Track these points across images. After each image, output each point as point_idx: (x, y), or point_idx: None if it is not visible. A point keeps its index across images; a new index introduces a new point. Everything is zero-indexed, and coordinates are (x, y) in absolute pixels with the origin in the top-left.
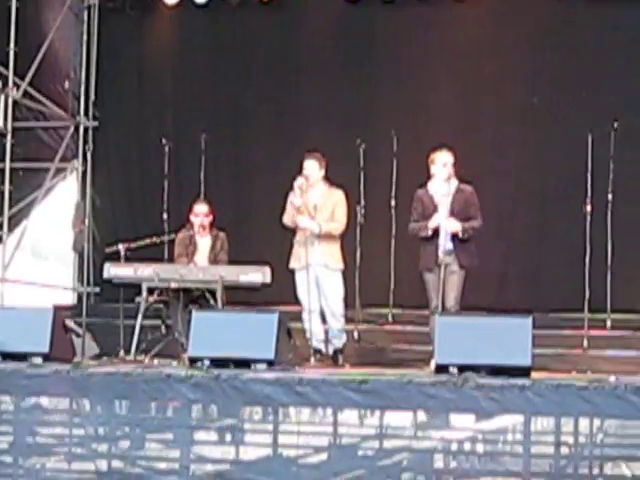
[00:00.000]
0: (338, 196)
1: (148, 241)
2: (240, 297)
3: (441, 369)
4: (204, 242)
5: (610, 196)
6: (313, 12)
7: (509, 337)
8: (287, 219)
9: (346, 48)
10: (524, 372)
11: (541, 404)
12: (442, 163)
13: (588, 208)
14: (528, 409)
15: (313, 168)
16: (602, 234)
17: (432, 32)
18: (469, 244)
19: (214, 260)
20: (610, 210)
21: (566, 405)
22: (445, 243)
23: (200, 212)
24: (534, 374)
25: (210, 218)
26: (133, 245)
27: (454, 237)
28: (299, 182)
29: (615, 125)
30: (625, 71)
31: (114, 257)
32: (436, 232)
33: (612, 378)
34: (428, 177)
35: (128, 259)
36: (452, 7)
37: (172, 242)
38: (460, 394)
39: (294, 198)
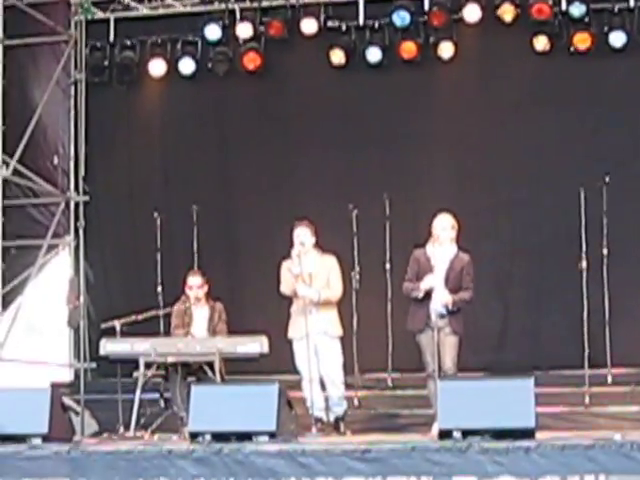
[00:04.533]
0: (331, 262)
1: (143, 316)
2: (237, 367)
3: (444, 434)
4: (201, 313)
5: (605, 251)
6: (300, 79)
7: (511, 399)
8: (285, 288)
9: (334, 113)
10: (528, 434)
11: (547, 465)
12: (442, 227)
13: (584, 264)
14: (534, 471)
15: (306, 235)
16: (599, 289)
17: (420, 94)
18: (458, 314)
19: (213, 331)
20: (606, 265)
21: (572, 465)
22: (438, 306)
23: (194, 284)
24: (538, 434)
25: (205, 289)
26: (129, 320)
27: (445, 307)
28: (297, 250)
29: (607, 179)
30: (614, 125)
31: (110, 332)
32: (428, 294)
33: (617, 436)
34: (428, 238)
35: (124, 334)
36: (439, 68)
37: (168, 315)
38: (465, 459)
39: (292, 266)
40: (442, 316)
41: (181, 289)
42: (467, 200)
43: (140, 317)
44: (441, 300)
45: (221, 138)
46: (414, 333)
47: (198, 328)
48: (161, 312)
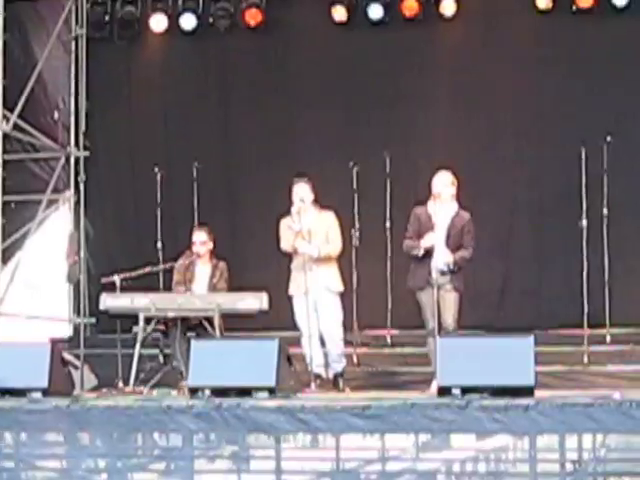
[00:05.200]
0: (330, 218)
1: (145, 271)
2: (237, 324)
3: (444, 391)
4: (203, 270)
5: (605, 210)
6: (301, 35)
7: (511, 357)
8: (285, 245)
9: (335, 70)
10: (528, 392)
11: (545, 423)
12: (443, 184)
13: (584, 223)
14: (532, 429)
15: (306, 192)
16: (599, 248)
17: (422, 52)
18: (459, 272)
19: (213, 289)
20: (606, 224)
21: (570, 423)
22: (440, 264)
23: (197, 240)
24: (537, 393)
25: (209, 246)
26: (130, 275)
27: (446, 265)
28: (297, 207)
29: (608, 139)
30: (616, 84)
31: (109, 287)
32: (429, 252)
33: (616, 395)
34: (428, 196)
35: (124, 289)
36: (440, 26)
37: (168, 271)
38: (464, 416)
39: (292, 223)
40: (443, 273)
41: (180, 245)
42: (468, 158)
43: (141, 272)
44: (442, 259)
45: (222, 94)
46: (414, 291)
47: (199, 285)
48: (162, 267)
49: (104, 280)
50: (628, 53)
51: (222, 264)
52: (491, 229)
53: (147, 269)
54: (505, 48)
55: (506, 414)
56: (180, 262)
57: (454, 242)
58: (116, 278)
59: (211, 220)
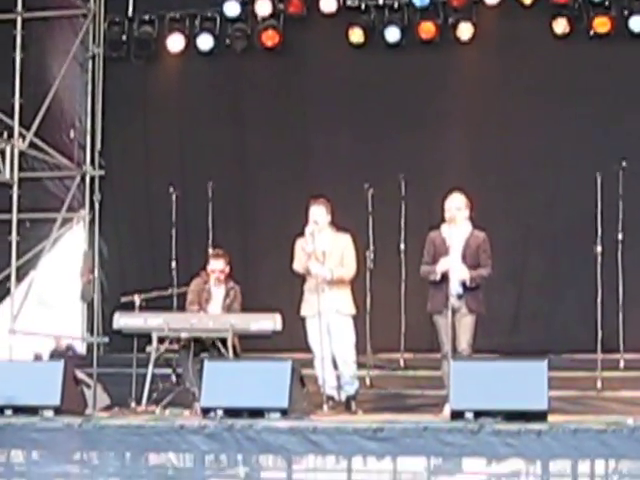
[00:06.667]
0: (346, 240)
1: (166, 293)
2: (250, 345)
3: (457, 415)
4: (218, 292)
5: (620, 235)
6: (318, 57)
7: (525, 381)
8: (298, 266)
9: (352, 93)
10: (541, 416)
11: (558, 448)
12: (456, 207)
13: (598, 249)
14: (545, 453)
15: (321, 214)
16: (613, 274)
17: (438, 75)
18: (477, 291)
19: (227, 310)
20: (620, 250)
21: (583, 448)
22: (455, 287)
23: (217, 269)
24: (550, 418)
25: (226, 271)
26: (150, 295)
27: (463, 284)
28: (310, 229)
29: (623, 164)
30: (632, 109)
31: (123, 306)
32: (445, 276)
33: (630, 421)
34: (442, 219)
35: (140, 308)
36: (457, 50)
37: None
38: (476, 440)
39: (305, 244)
40: (460, 296)
41: (195, 264)
42: (483, 182)
43: (161, 293)
44: (459, 277)
45: (238, 115)
46: (432, 314)
47: (215, 307)
48: (183, 289)
49: (123, 299)
50: None
51: (237, 287)
52: (505, 254)
53: (169, 291)
54: (521, 72)
55: (519, 439)
56: (196, 282)
57: (471, 262)
58: (136, 297)
59: (225, 240)
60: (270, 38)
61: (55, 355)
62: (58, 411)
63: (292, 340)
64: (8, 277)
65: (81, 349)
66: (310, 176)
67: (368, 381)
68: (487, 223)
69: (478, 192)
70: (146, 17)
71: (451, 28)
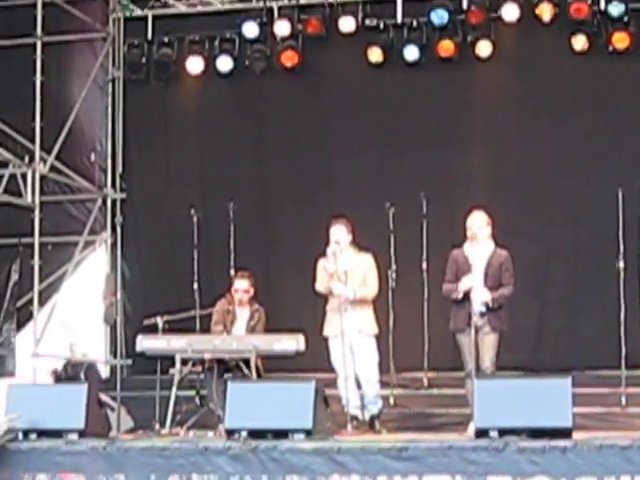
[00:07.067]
0: (368, 260)
1: (189, 314)
2: (274, 365)
3: (481, 433)
4: (243, 313)
5: None
6: (337, 77)
7: (549, 398)
8: (320, 286)
9: (372, 112)
10: (565, 433)
11: (583, 465)
12: (478, 225)
13: (621, 264)
14: (570, 471)
15: (342, 234)
16: (636, 289)
17: (458, 93)
18: (500, 309)
19: (251, 331)
20: None
21: (608, 465)
22: (478, 305)
23: (240, 288)
24: (575, 435)
25: (251, 292)
26: (173, 318)
27: (485, 303)
28: (332, 249)
29: None
30: None
31: (146, 329)
32: (467, 294)
33: None
34: (464, 238)
35: (163, 331)
36: (477, 68)
37: (209, 314)
38: (501, 458)
39: (327, 264)
40: (482, 315)
41: (218, 286)
42: (504, 199)
43: (185, 315)
44: (481, 299)
45: (258, 136)
46: (455, 333)
47: (239, 328)
48: (207, 311)
49: (146, 322)
50: None
51: (261, 310)
52: (527, 270)
53: (192, 312)
54: (541, 89)
55: (544, 456)
56: (220, 303)
57: (493, 281)
58: (159, 319)
59: (247, 260)
60: (289, 59)
61: (69, 365)
62: (82, 434)
63: (315, 360)
64: (31, 301)
65: (105, 372)
66: (331, 195)
67: (392, 400)
68: (509, 240)
69: (499, 209)
70: (165, 39)
71: (470, 46)
